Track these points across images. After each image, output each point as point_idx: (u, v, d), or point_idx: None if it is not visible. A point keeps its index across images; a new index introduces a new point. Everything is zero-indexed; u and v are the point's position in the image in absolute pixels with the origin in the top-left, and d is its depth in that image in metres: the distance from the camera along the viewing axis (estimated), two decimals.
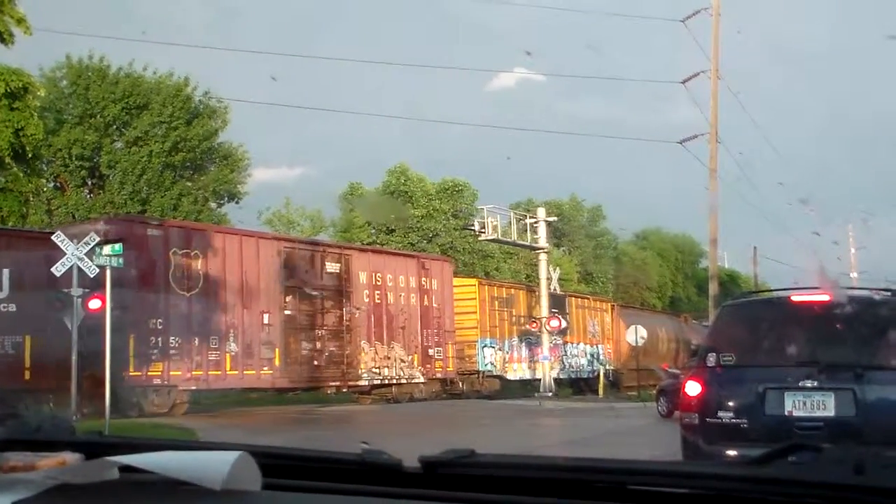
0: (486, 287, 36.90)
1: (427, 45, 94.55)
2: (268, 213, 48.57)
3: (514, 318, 37.63)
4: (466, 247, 48.05)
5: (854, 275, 51.78)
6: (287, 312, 26.62)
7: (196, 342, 23.67)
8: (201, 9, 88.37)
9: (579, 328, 42.46)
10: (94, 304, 17.25)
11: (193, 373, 23.54)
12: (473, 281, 37.05)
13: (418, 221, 47.46)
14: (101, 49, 38.26)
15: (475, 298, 35.31)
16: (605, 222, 65.37)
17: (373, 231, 47.92)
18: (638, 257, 67.77)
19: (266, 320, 25.84)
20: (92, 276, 17.15)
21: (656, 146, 67.16)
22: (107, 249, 17.33)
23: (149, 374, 22.75)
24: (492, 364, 35.84)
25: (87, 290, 17.31)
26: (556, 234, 53.32)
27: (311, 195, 56.32)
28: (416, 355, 31.27)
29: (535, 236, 38.98)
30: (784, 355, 8.29)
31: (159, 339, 22.83)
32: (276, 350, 25.92)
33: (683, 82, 34.99)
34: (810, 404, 7.91)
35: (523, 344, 37.95)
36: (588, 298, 45.82)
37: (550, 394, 35.67)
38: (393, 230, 47.52)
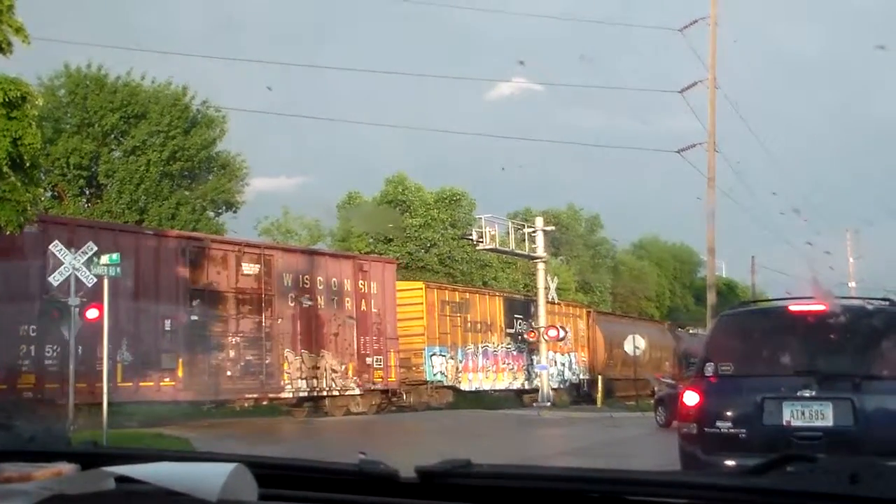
0: (436, 291, 34.26)
1: (426, 55, 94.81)
2: (266, 222, 48.63)
3: (469, 325, 35.24)
4: (464, 256, 48.04)
5: (852, 284, 51.84)
6: (193, 318, 24.12)
7: (79, 351, 20.09)
8: (200, 18, 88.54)
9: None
10: (92, 313, 17.23)
11: (75, 385, 20.55)
12: (420, 284, 34.34)
13: (416, 231, 47.46)
14: (99, 58, 38.34)
15: (422, 303, 32.78)
16: (603, 231, 65.46)
17: (371, 241, 47.91)
18: (636, 267, 67.79)
19: (168, 326, 23.27)
20: (90, 285, 17.14)
21: (654, 155, 67.24)
22: (104, 259, 17.32)
23: (18, 386, 20.29)
24: (442, 374, 33.31)
25: (84, 300, 17.30)
26: (554, 244, 53.33)
27: (310, 204, 56.34)
28: (350, 364, 28.70)
29: (533, 246, 39.00)
30: (782, 365, 8.30)
31: (31, 347, 20.38)
32: (179, 359, 23.41)
33: (681, 92, 35.07)
34: (808, 414, 7.90)
35: (480, 352, 35.71)
36: (559, 304, 42.45)
37: (548, 404, 35.60)
38: (391, 239, 47.50)
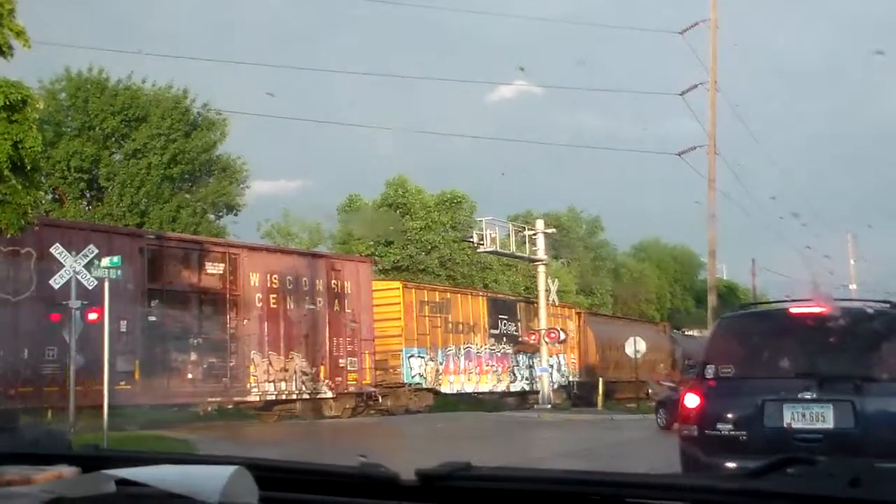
0: (414, 290, 33.07)
1: (427, 58, 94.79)
2: (266, 225, 48.65)
3: (450, 326, 34.06)
4: (465, 259, 48.04)
5: (852, 286, 51.82)
6: (152, 319, 22.97)
7: (25, 354, 20.12)
8: (201, 21, 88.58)
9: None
10: (93, 316, 17.25)
11: (19, 389, 20.11)
12: (397, 284, 33.34)
13: (417, 233, 47.47)
14: (100, 62, 38.37)
15: (399, 303, 31.57)
16: (604, 234, 65.48)
17: (371, 243, 47.92)
18: (636, 269, 67.79)
19: (123, 328, 21.92)
20: (90, 287, 17.15)
21: (655, 158, 67.29)
22: (105, 261, 17.33)
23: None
24: (421, 376, 32.13)
25: (85, 303, 17.32)
26: (555, 246, 53.28)
27: (311, 207, 56.33)
28: (322, 367, 27.59)
29: (534, 248, 38.99)
30: (783, 367, 8.30)
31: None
32: (137, 362, 22.24)
33: (682, 94, 35.09)
34: (809, 416, 7.90)
35: (462, 354, 34.53)
36: (548, 305, 40.90)
37: (549, 406, 35.56)
38: (391, 242, 47.51)
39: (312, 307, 27.51)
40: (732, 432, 8.15)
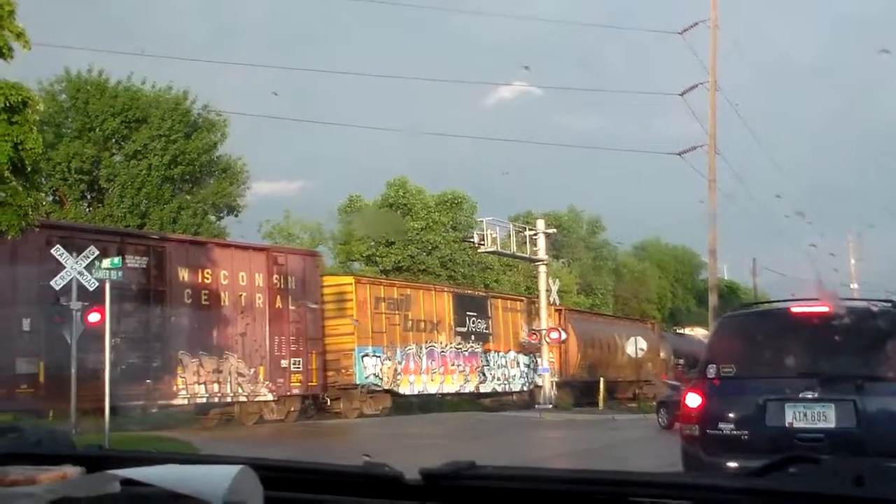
0: (368, 286, 30.96)
1: (427, 59, 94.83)
2: (267, 225, 48.66)
3: (410, 323, 32.10)
4: (466, 259, 48.07)
5: (854, 285, 51.83)
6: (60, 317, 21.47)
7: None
8: (201, 22, 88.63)
9: (507, 334, 37.48)
10: (94, 317, 17.27)
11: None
12: (349, 279, 31.41)
13: (417, 234, 47.49)
14: (99, 63, 38.38)
15: (352, 299, 29.58)
16: (605, 234, 65.48)
17: (372, 243, 47.94)
18: (637, 269, 67.78)
19: (26, 326, 20.39)
20: (91, 289, 17.17)
21: (655, 158, 67.23)
22: (106, 263, 17.35)
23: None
24: (376, 376, 30.06)
25: (85, 304, 17.34)
26: (556, 246, 53.33)
27: (311, 208, 56.39)
28: (261, 368, 25.83)
29: (535, 248, 38.97)
30: (784, 367, 8.29)
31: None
32: (41, 363, 20.49)
33: (682, 94, 35.11)
34: (811, 416, 7.90)
35: (425, 353, 32.57)
36: (521, 300, 40.12)
37: (551, 406, 35.52)
38: (392, 242, 47.54)
39: (251, 304, 25.79)
40: (734, 432, 8.14)
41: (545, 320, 37.35)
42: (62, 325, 17.44)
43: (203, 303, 24.50)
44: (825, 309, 8.14)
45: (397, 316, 31.46)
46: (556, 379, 38.53)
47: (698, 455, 8.28)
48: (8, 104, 14.51)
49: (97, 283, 17.11)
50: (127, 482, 1.68)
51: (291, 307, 26.69)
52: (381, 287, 31.92)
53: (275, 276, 26.46)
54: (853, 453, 7.47)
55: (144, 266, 23.09)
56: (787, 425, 7.92)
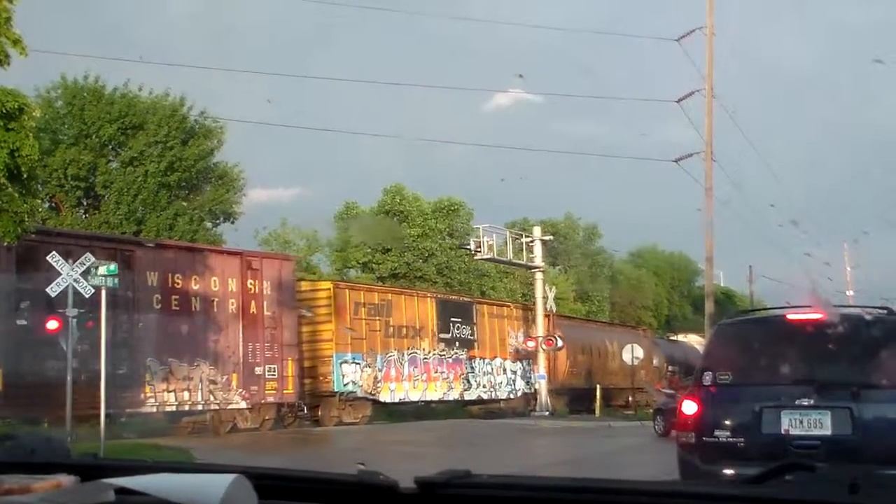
0: (348, 291, 30.25)
1: (423, 66, 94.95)
2: (264, 232, 48.63)
3: (391, 329, 31.34)
4: (462, 266, 48.06)
5: (850, 293, 51.90)
6: (21, 322, 20.49)
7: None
8: (197, 29, 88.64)
9: (493, 341, 36.78)
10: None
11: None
12: (328, 284, 30.52)
13: (414, 241, 47.49)
14: (96, 69, 38.36)
15: (330, 305, 28.84)
16: (601, 241, 65.51)
17: (368, 250, 47.92)
18: (634, 276, 67.84)
19: None
20: (87, 296, 17.15)
21: (652, 165, 67.41)
22: (102, 269, 17.34)
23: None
24: (355, 384, 29.32)
25: (83, 311, 17.32)
26: (552, 253, 53.36)
27: (308, 215, 56.36)
28: (234, 375, 25.07)
29: (531, 255, 38.97)
30: (780, 374, 8.30)
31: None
32: (0, 371, 19.89)
33: (678, 101, 35.18)
34: (807, 423, 7.90)
35: (407, 360, 31.89)
36: (508, 306, 39.58)
37: (547, 413, 35.48)
38: (389, 249, 47.54)
39: (223, 310, 25.10)
40: (730, 439, 8.15)
41: (541, 327, 37.27)
42: (60, 333, 17.39)
43: (173, 308, 23.68)
44: (820, 316, 8.16)
45: (378, 322, 30.79)
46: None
47: (695, 463, 8.28)
48: (4, 111, 14.51)
49: (93, 290, 17.11)
50: (121, 491, 1.68)
51: (267, 313, 26.03)
52: (361, 292, 31.19)
53: (249, 280, 25.81)
54: (849, 461, 7.47)
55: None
56: (783, 433, 7.92)
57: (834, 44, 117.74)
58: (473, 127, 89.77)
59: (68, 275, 16.87)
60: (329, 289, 29.59)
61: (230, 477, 1.62)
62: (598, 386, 38.78)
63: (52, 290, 16.99)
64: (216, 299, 24.87)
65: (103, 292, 17.01)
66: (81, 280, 16.88)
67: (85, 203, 38.52)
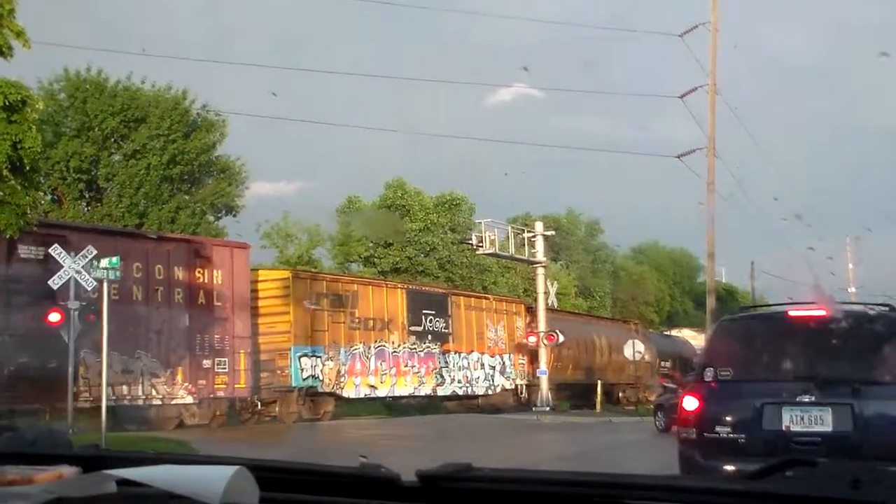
0: (308, 281, 28.75)
1: (426, 61, 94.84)
2: (266, 226, 48.65)
3: (356, 321, 29.88)
4: (464, 261, 48.09)
5: (852, 289, 51.91)
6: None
7: None
8: (200, 22, 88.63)
9: (471, 334, 35.38)
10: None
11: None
12: (286, 273, 29.12)
13: (416, 235, 47.50)
14: (99, 62, 38.36)
15: (288, 295, 27.38)
16: (603, 236, 65.59)
17: (371, 245, 47.96)
18: (635, 272, 67.87)
19: None
20: (89, 288, 17.16)
21: (654, 160, 67.32)
22: (104, 262, 17.35)
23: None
24: (315, 378, 27.85)
25: (84, 304, 17.33)
26: (554, 249, 53.38)
27: (310, 209, 56.32)
28: (179, 369, 23.91)
29: (533, 250, 38.97)
30: (781, 370, 8.30)
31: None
32: None
33: (681, 97, 35.12)
34: (808, 419, 7.90)
35: (374, 353, 30.49)
36: (487, 298, 38.25)
37: (548, 408, 35.46)
38: (391, 244, 47.56)
39: (167, 299, 23.84)
40: (731, 435, 8.14)
41: (543, 322, 37.21)
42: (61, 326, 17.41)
43: (112, 298, 21.60)
44: (822, 313, 8.15)
45: (342, 313, 29.32)
46: (524, 381, 37.49)
47: (695, 458, 8.28)
48: (7, 103, 14.53)
49: (95, 283, 17.14)
50: (123, 482, 1.68)
51: (217, 303, 24.83)
52: (324, 283, 29.71)
53: (198, 269, 24.61)
54: (850, 457, 7.48)
55: (41, 257, 20.12)
56: (784, 429, 7.92)
57: (838, 38, 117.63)
58: (476, 122, 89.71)
59: (70, 267, 16.88)
60: (287, 277, 28.17)
61: (232, 469, 1.63)
62: (598, 382, 38.69)
63: (55, 282, 17.00)
64: (160, 288, 23.65)
65: (104, 285, 17.01)
66: (83, 273, 16.89)
67: (87, 196, 38.54)
